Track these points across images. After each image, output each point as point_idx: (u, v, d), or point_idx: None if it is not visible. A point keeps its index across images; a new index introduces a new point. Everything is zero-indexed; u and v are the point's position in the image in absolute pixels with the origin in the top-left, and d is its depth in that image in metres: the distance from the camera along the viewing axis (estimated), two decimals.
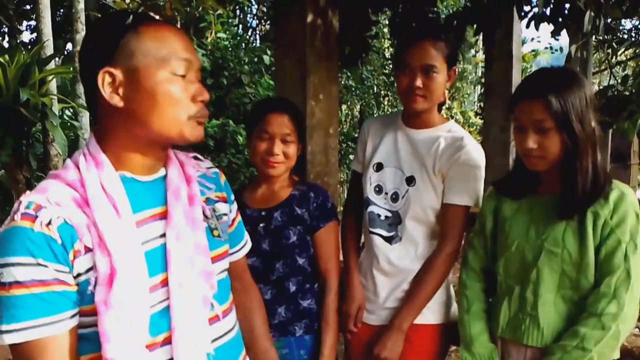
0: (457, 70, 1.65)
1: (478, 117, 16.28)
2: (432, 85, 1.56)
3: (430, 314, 1.61)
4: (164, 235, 0.97)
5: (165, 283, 0.95)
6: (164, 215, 0.99)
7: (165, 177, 1.03)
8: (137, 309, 0.90)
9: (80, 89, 5.98)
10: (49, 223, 0.86)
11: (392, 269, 1.65)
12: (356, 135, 13.24)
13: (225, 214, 1.16)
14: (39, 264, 0.85)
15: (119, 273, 0.88)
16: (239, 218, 1.26)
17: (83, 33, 5.78)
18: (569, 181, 1.31)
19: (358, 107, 13.63)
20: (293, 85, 2.15)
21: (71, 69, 5.40)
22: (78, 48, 5.77)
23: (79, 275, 0.89)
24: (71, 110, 6.49)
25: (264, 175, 1.69)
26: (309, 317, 1.65)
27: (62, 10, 8.74)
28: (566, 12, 2.50)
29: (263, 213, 1.66)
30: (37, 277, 0.85)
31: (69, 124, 6.16)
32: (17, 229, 0.85)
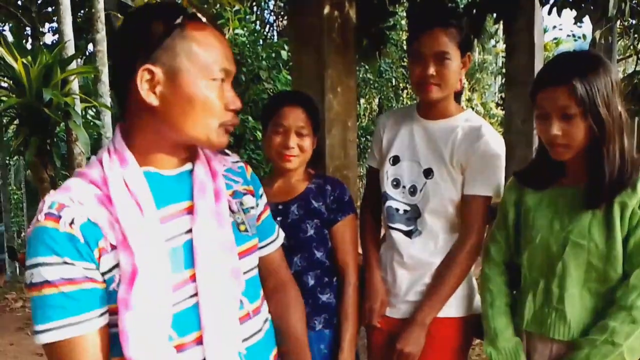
0: (472, 56, 1.60)
1: (499, 108, 16.06)
2: (446, 73, 1.52)
3: (451, 308, 1.58)
4: (190, 230, 0.96)
5: (194, 279, 0.95)
6: (190, 210, 0.98)
7: (191, 171, 1.02)
8: (159, 308, 0.89)
9: (103, 88, 6.06)
10: (72, 222, 0.86)
11: (412, 262, 1.63)
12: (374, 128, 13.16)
13: (252, 207, 1.14)
14: (66, 263, 0.85)
15: (141, 271, 0.87)
16: (268, 212, 1.24)
17: (103, 32, 5.85)
18: (596, 170, 1.26)
19: (376, 100, 13.56)
20: (311, 78, 2.13)
21: (93, 68, 5.48)
22: (99, 48, 5.85)
23: (105, 272, 0.89)
24: (94, 110, 6.59)
25: (280, 169, 1.68)
26: (328, 311, 1.64)
27: (82, 12, 8.86)
28: None
29: (280, 207, 1.65)
30: (65, 275, 0.85)
31: (91, 123, 6.26)
32: (42, 229, 0.86)
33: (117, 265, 0.88)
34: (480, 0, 2.74)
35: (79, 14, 8.46)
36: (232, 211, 1.06)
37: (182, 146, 0.99)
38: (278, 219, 1.64)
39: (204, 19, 0.94)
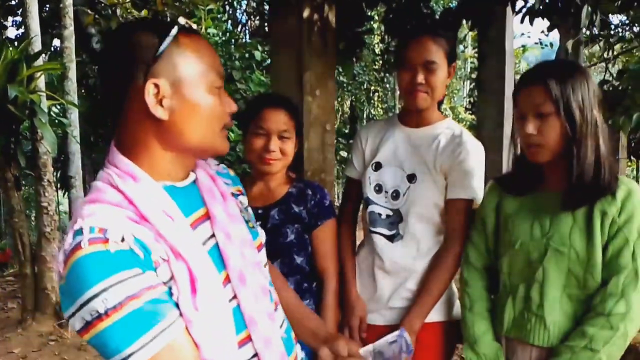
0: (456, 66, 1.64)
1: (468, 112, 16.36)
2: (434, 81, 1.55)
3: (434, 312, 1.59)
4: (212, 235, 0.98)
5: (227, 281, 0.97)
6: (207, 217, 0.99)
7: (195, 180, 1.03)
8: (221, 307, 0.90)
9: (70, 85, 5.89)
10: (122, 239, 0.83)
11: (394, 267, 1.63)
12: (346, 131, 13.26)
13: (248, 206, 1.18)
14: (137, 274, 0.81)
15: (198, 275, 0.87)
16: (250, 208, 1.26)
17: (71, 28, 5.69)
18: (571, 171, 1.29)
19: (348, 103, 13.63)
20: (289, 81, 2.12)
21: (60, 65, 5.31)
22: (67, 44, 5.68)
23: (164, 283, 0.87)
24: (59, 107, 6.40)
25: (260, 173, 1.66)
26: None
27: (48, 6, 8.61)
28: (560, 7, 2.49)
29: (260, 211, 1.63)
30: (143, 285, 0.81)
31: (57, 121, 6.07)
32: (92, 254, 0.80)
33: (171, 279, 0.87)
34: (455, 7, 2.77)
35: (45, 7, 8.22)
36: (239, 210, 1.08)
37: (189, 156, 0.99)
38: (257, 223, 1.62)
39: (194, 26, 0.94)
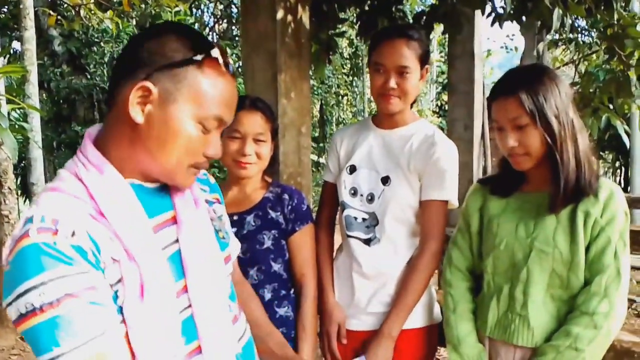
0: (429, 68, 1.63)
1: (435, 115, 16.60)
2: (407, 86, 1.54)
3: (412, 318, 1.57)
4: (177, 240, 0.95)
5: (185, 290, 0.93)
6: (173, 221, 0.96)
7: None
8: (169, 317, 0.87)
9: (31, 89, 5.69)
10: (73, 234, 0.79)
11: (372, 271, 1.60)
12: (317, 135, 13.26)
13: (222, 215, 1.15)
14: (81, 272, 0.78)
15: (149, 281, 0.84)
16: (227, 217, 1.22)
17: (32, 30, 5.50)
18: (555, 175, 1.30)
19: (318, 106, 13.64)
20: (264, 83, 2.07)
21: (21, 68, 5.12)
22: (27, 46, 5.49)
23: (110, 286, 0.84)
24: (20, 112, 6.17)
25: (235, 177, 1.61)
26: (286, 325, 1.58)
27: (7, 8, 8.32)
28: (530, 10, 2.53)
29: (235, 217, 1.58)
30: (85, 284, 0.78)
31: (17, 125, 5.85)
32: (38, 244, 0.77)
33: (119, 281, 0.83)
34: (428, 11, 2.78)
35: (4, 9, 7.94)
36: (210, 219, 1.05)
37: (147, 170, 0.95)
38: (233, 229, 1.57)
39: (223, 68, 0.90)
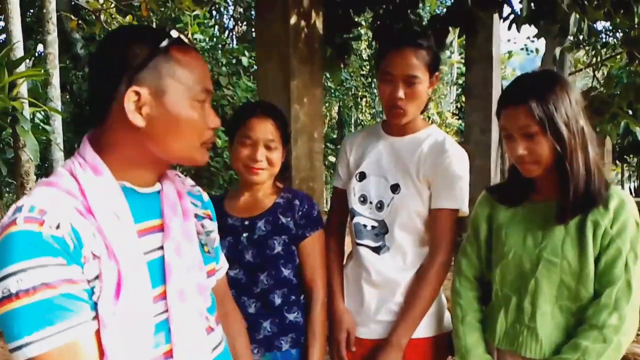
0: (439, 75, 1.61)
1: (455, 117, 16.47)
2: (415, 96, 1.52)
3: (421, 328, 1.56)
4: (161, 247, 0.97)
5: (163, 296, 0.95)
6: (160, 228, 0.99)
7: (160, 191, 1.03)
8: (143, 320, 0.88)
9: (53, 92, 5.80)
10: (58, 226, 0.82)
11: (381, 280, 1.60)
12: (334, 136, 13.26)
13: (212, 231, 1.17)
14: (60, 264, 0.80)
15: (126, 283, 0.86)
16: (218, 237, 1.24)
17: (55, 34, 5.61)
18: (563, 184, 1.28)
19: (336, 108, 13.64)
20: (276, 88, 2.09)
21: (43, 71, 5.23)
22: (50, 50, 5.60)
23: (88, 281, 0.85)
24: (43, 114, 6.30)
25: (246, 182, 1.62)
26: (295, 331, 1.59)
27: (32, 11, 8.50)
28: (547, 14, 2.50)
29: (246, 222, 1.59)
30: (63, 276, 0.80)
31: (40, 128, 5.97)
32: (22, 232, 0.79)
33: (97, 277, 0.85)
34: (443, 14, 2.77)
35: (28, 13, 8.11)
36: (197, 232, 1.07)
37: (164, 164, 1.01)
38: (244, 234, 1.58)
39: (186, 40, 0.95)
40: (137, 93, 0.89)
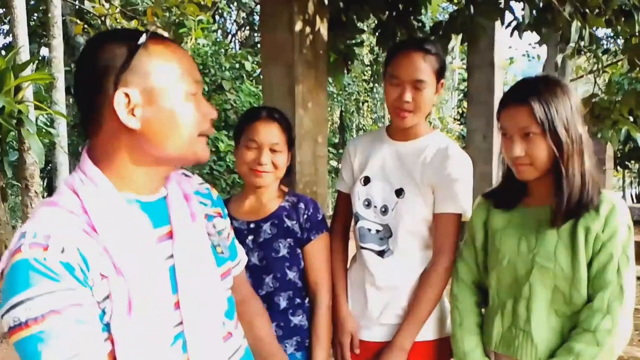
0: (444, 82, 1.63)
1: (456, 122, 16.49)
2: (421, 100, 1.54)
3: (425, 330, 1.57)
4: (171, 256, 0.95)
5: (177, 306, 0.93)
6: (169, 236, 0.96)
7: (165, 196, 1.00)
8: (159, 333, 0.87)
9: (58, 95, 5.85)
10: (63, 250, 0.81)
11: (384, 283, 1.61)
12: (336, 141, 13.28)
13: (224, 229, 1.14)
14: (68, 289, 0.80)
15: (137, 301, 0.84)
16: (232, 233, 1.23)
17: (60, 38, 5.66)
18: (558, 189, 1.29)
19: (338, 112, 13.66)
20: (281, 93, 2.11)
21: (48, 75, 5.27)
22: (55, 54, 5.65)
23: (98, 303, 0.85)
24: (47, 117, 6.34)
25: (252, 186, 1.64)
26: (299, 333, 1.60)
27: (36, 15, 8.56)
28: (549, 21, 2.52)
29: (251, 225, 1.61)
30: (71, 301, 0.80)
31: (44, 131, 6.01)
32: (29, 260, 0.79)
33: (107, 297, 0.84)
34: (445, 21, 2.79)
35: (34, 17, 8.17)
36: (208, 233, 1.05)
37: (165, 165, 0.97)
38: (249, 237, 1.60)
39: (165, 34, 0.91)
40: (127, 95, 0.87)
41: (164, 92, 0.89)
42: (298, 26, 2.09)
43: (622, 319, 1.24)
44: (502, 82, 4.60)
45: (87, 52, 0.91)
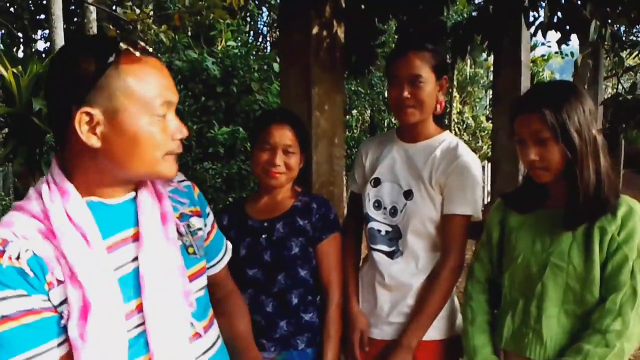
0: (448, 79, 1.65)
1: (489, 121, 16.19)
2: (421, 95, 1.56)
3: (433, 330, 1.59)
4: (136, 259, 0.94)
5: (140, 309, 0.92)
6: (136, 238, 0.95)
7: (135, 197, 0.99)
8: (115, 340, 0.87)
9: None
10: (18, 257, 0.83)
11: (394, 283, 1.64)
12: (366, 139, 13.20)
13: (200, 229, 1.12)
14: (20, 295, 0.82)
15: (94, 305, 0.84)
16: (216, 230, 1.23)
17: None
18: (572, 191, 1.30)
19: (368, 112, 13.62)
20: (298, 95, 2.16)
21: None
22: None
23: (55, 307, 0.86)
24: None
25: (266, 186, 1.69)
26: (311, 330, 1.64)
27: (75, 20, 8.86)
28: (571, 20, 2.48)
29: (265, 224, 1.66)
30: (22, 307, 0.82)
31: None
32: None
33: (64, 301, 0.85)
34: (466, 21, 2.78)
35: (71, 22, 8.46)
36: (180, 234, 1.04)
37: (128, 181, 0.97)
38: (263, 236, 1.65)
39: (137, 54, 0.88)
40: (89, 114, 0.85)
41: (128, 115, 0.87)
42: (315, 29, 2.13)
43: (634, 321, 1.24)
44: (532, 80, 4.51)
45: (58, 62, 0.90)
